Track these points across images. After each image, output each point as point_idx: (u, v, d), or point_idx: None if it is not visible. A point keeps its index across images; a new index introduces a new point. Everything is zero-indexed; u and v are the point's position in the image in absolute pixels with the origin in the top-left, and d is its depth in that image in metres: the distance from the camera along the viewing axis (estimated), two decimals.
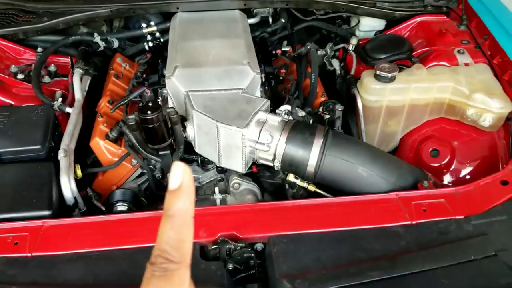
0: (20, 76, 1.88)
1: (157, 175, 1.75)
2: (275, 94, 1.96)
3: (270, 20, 2.40)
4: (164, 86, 1.89)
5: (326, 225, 1.27)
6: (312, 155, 1.45)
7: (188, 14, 2.10)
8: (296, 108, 1.63)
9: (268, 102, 1.57)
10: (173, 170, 0.57)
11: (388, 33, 2.20)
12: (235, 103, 1.57)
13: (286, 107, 1.59)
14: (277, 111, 1.59)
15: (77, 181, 1.60)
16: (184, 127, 1.62)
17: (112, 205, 1.63)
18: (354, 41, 2.07)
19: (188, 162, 1.78)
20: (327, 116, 1.71)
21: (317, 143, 1.46)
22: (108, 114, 1.86)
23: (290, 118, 1.57)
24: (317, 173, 1.47)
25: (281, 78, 2.03)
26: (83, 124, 1.82)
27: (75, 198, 1.56)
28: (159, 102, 1.79)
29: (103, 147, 1.75)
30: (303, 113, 1.64)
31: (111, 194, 1.66)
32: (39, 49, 2.04)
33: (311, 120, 1.64)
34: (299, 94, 1.93)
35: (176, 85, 1.64)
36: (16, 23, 2.06)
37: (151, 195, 1.79)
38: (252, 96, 1.61)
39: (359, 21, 2.27)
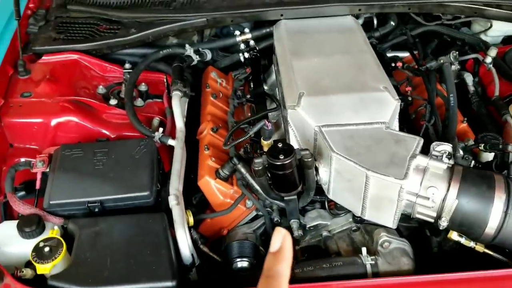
0: (113, 102, 1.65)
1: (275, 219, 1.50)
2: (404, 119, 1.66)
3: (375, 22, 2.09)
4: (277, 109, 1.64)
5: None
6: (493, 214, 1.16)
7: (294, 22, 1.81)
8: None
9: (422, 141, 1.28)
10: (275, 234, 0.66)
11: None
12: (382, 143, 1.29)
13: (444, 148, 1.30)
14: (434, 152, 1.30)
15: None
16: (317, 170, 1.35)
17: (232, 261, 1.39)
18: (493, 52, 1.74)
19: (312, 203, 1.51)
20: (487, 155, 1.40)
21: (499, 200, 1.16)
22: (214, 145, 1.60)
23: (451, 162, 1.28)
24: (497, 237, 1.18)
25: (410, 99, 1.73)
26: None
27: (192, 255, 1.33)
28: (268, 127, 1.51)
29: (214, 187, 1.50)
30: (461, 153, 1.34)
31: (229, 248, 1.42)
32: (127, 65, 1.80)
33: (472, 162, 1.34)
34: (436, 119, 1.63)
35: (303, 117, 1.37)
36: (100, 36, 1.82)
37: (268, 241, 1.54)
38: (399, 133, 1.32)
39: (491, 25, 1.93)
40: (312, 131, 1.36)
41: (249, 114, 1.80)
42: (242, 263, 1.39)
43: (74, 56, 1.78)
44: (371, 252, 1.35)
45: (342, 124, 1.35)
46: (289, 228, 1.47)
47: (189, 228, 1.47)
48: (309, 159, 1.27)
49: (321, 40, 1.68)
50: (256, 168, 1.28)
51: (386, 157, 1.25)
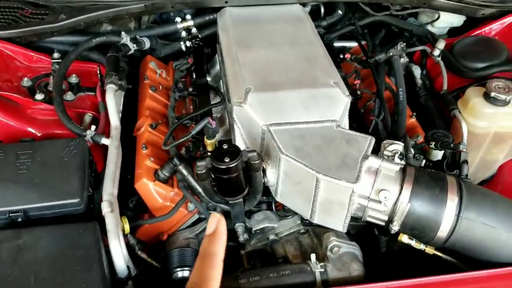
0: (39, 96, 1.48)
1: None
2: (354, 114, 1.60)
3: (322, 10, 2.02)
4: (223, 103, 1.54)
5: None
6: (445, 218, 1.12)
7: (240, 10, 1.70)
8: None
9: (373, 140, 1.22)
10: (210, 219, 0.74)
11: (474, 34, 1.84)
12: (333, 143, 1.22)
13: (396, 147, 1.25)
14: (385, 152, 1.25)
15: None
16: (264, 171, 1.26)
17: (171, 270, 1.28)
18: (441, 45, 1.71)
19: (258, 204, 1.42)
20: (437, 153, 1.36)
21: (451, 203, 1.12)
22: (153, 143, 1.48)
23: (403, 162, 1.23)
24: (448, 240, 1.14)
25: (359, 93, 1.67)
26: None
27: (128, 266, 1.21)
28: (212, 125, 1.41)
29: (153, 190, 1.38)
30: (411, 151, 1.30)
31: (169, 256, 1.31)
32: (56, 55, 1.63)
33: (423, 162, 1.30)
34: (385, 114, 1.58)
35: (250, 115, 1.27)
36: (25, 22, 1.63)
37: None
38: (351, 132, 1.25)
39: (438, 17, 1.90)
40: (259, 130, 1.27)
41: (192, 108, 1.69)
42: (183, 273, 1.29)
43: None
44: (320, 256, 1.29)
45: (292, 122, 1.26)
46: (234, 232, 1.39)
47: (125, 235, 1.37)
48: (256, 161, 1.18)
49: (268, 30, 1.58)
50: (199, 172, 1.18)
51: (337, 159, 1.18)
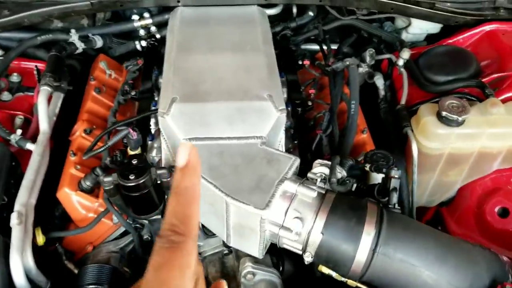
0: None
1: (145, 237, 1.35)
2: (301, 124, 1.51)
3: (295, 11, 1.91)
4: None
5: None
6: (359, 253, 1.02)
7: (192, 10, 1.61)
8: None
9: (298, 162, 1.13)
10: (180, 149, 0.62)
11: (446, 43, 1.71)
12: (252, 163, 1.13)
13: (321, 170, 1.15)
14: (309, 174, 1.16)
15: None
16: None
17: (84, 287, 1.23)
18: (405, 54, 1.59)
19: None
20: (377, 176, 1.26)
21: (367, 237, 1.03)
22: (84, 150, 1.41)
23: (327, 186, 1.14)
24: (364, 275, 1.05)
25: (310, 103, 1.57)
26: (55, 155, 1.41)
27: (31, 282, 1.16)
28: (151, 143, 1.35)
29: (75, 201, 1.32)
30: (344, 172, 1.20)
31: (82, 272, 1.25)
32: None
33: (354, 186, 1.20)
34: (333, 128, 1.48)
35: (172, 127, 1.20)
36: None
37: (137, 260, 1.38)
38: (274, 151, 1.16)
39: (410, 23, 1.78)
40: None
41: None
42: None
43: None
44: (238, 282, 1.21)
45: (213, 137, 1.18)
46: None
47: (58, 243, 1.33)
48: (167, 179, 1.11)
49: (215, 33, 1.49)
50: (106, 188, 1.11)
51: (252, 181, 1.09)
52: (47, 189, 1.35)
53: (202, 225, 1.33)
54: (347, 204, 1.08)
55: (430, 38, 1.89)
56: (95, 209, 1.34)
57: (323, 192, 1.10)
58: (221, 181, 1.09)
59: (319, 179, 1.13)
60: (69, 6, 1.57)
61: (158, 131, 1.46)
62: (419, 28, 1.81)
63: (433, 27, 1.81)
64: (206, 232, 1.34)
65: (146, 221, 1.29)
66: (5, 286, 1.11)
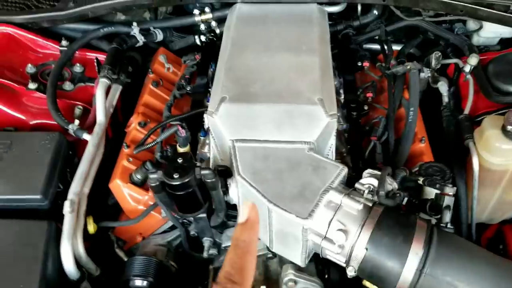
0: (32, 85, 1.50)
1: (191, 233, 1.36)
2: (356, 129, 1.46)
3: (359, 8, 1.84)
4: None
5: None
6: (405, 273, 0.97)
7: (250, 7, 1.60)
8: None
9: (345, 171, 1.09)
10: (242, 207, 0.72)
11: None
12: (298, 169, 1.11)
13: (370, 181, 1.10)
14: (357, 185, 1.11)
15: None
16: (227, 188, 1.18)
17: (131, 277, 1.26)
18: (473, 60, 1.48)
19: (233, 219, 1.35)
20: (431, 190, 1.18)
21: (414, 256, 0.97)
22: (137, 142, 1.44)
23: (375, 198, 1.09)
24: None
25: (366, 108, 1.51)
26: (113, 145, 1.45)
27: (81, 269, 1.21)
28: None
29: (125, 192, 1.36)
30: (395, 184, 1.14)
31: (129, 263, 1.28)
32: (64, 42, 1.64)
33: (405, 200, 1.14)
34: (389, 135, 1.41)
35: (220, 127, 1.19)
36: (37, 7, 1.65)
37: (183, 255, 1.40)
38: (321, 158, 1.13)
39: (481, 26, 1.66)
40: (227, 144, 1.19)
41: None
42: (142, 283, 1.26)
43: (8, 29, 1.62)
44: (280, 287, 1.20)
45: (260, 140, 1.17)
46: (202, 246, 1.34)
47: (110, 231, 1.37)
48: (211, 180, 1.11)
49: (271, 32, 1.46)
50: (152, 185, 1.12)
51: (296, 188, 1.07)
52: (103, 179, 1.39)
53: None
54: (394, 220, 1.02)
55: (505, 43, 1.76)
56: (145, 202, 1.37)
57: (370, 204, 1.05)
58: (264, 186, 1.07)
59: (366, 191, 1.08)
60: (132, 0, 1.60)
61: None
62: (492, 32, 1.69)
63: (508, 31, 1.68)
64: None
65: (192, 218, 1.30)
66: (55, 271, 1.15)
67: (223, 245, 1.34)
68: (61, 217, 1.24)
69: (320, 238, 1.04)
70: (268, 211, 1.05)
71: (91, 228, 1.29)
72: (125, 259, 1.37)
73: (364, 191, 1.09)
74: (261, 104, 1.20)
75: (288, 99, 1.21)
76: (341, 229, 1.02)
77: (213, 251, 1.32)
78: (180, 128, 1.27)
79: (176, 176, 1.08)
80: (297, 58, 1.35)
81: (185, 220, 1.36)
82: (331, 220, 1.03)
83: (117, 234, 1.44)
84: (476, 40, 1.74)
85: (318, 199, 1.04)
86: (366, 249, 1.00)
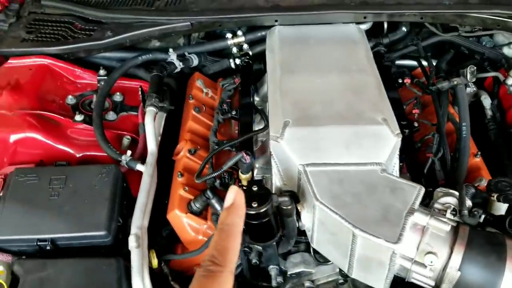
0: (78, 117, 1.46)
1: (253, 261, 1.33)
2: (408, 149, 1.45)
3: (386, 26, 1.86)
4: (265, 130, 1.44)
5: None
6: None
7: (290, 30, 1.60)
8: None
9: (423, 191, 1.08)
10: (228, 193, 0.73)
11: None
12: (375, 192, 1.09)
13: (448, 201, 1.10)
14: (436, 205, 1.10)
15: None
16: (299, 215, 1.16)
17: None
18: None
19: (296, 243, 1.32)
20: (501, 205, 1.18)
21: (510, 273, 0.96)
22: (191, 171, 1.42)
23: (456, 219, 1.08)
24: None
25: (416, 125, 1.51)
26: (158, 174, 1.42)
27: None
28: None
29: (185, 223, 1.32)
30: (469, 202, 1.13)
31: None
32: (102, 72, 1.62)
33: (482, 217, 1.13)
34: (445, 151, 1.41)
35: (287, 152, 1.18)
36: (73, 38, 1.63)
37: (244, 284, 1.37)
38: (397, 179, 1.12)
39: None
40: (296, 169, 1.17)
41: (238, 132, 1.61)
42: None
43: (45, 61, 1.59)
44: None
45: (330, 163, 1.15)
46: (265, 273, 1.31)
47: (164, 263, 1.34)
48: (288, 207, 1.09)
49: (317, 53, 1.47)
50: None
51: (378, 211, 1.05)
52: (153, 210, 1.36)
53: (314, 251, 1.31)
54: (483, 239, 1.02)
55: None
56: (204, 231, 1.34)
57: (455, 225, 1.04)
58: (345, 211, 1.06)
59: (448, 211, 1.07)
60: (170, 27, 1.59)
61: (259, 151, 1.45)
62: None
63: None
64: (318, 259, 1.30)
65: (256, 246, 1.27)
66: None
67: (289, 273, 1.31)
68: (122, 252, 1.21)
69: (409, 262, 1.02)
70: (352, 236, 1.04)
71: (155, 262, 1.25)
72: None
73: (445, 211, 1.08)
74: (326, 127, 1.19)
75: (351, 120, 1.20)
76: (431, 251, 1.01)
77: (280, 279, 1.29)
78: (244, 155, 1.25)
79: (254, 205, 1.06)
80: (350, 78, 1.35)
81: (246, 249, 1.33)
82: (420, 242, 1.02)
83: (172, 266, 1.40)
84: (507, 52, 1.77)
85: (403, 221, 1.02)
86: (459, 270, 0.99)
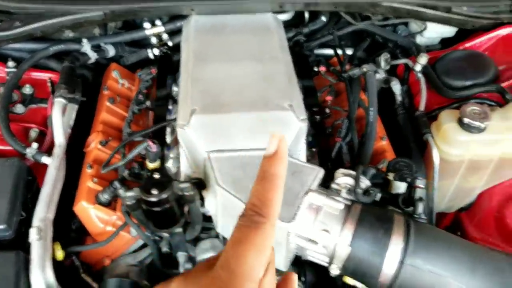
0: None
1: (163, 249, 1.32)
2: (319, 131, 1.49)
3: (307, 16, 1.90)
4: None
5: None
6: (387, 265, 1.00)
7: (206, 19, 1.59)
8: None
9: (322, 173, 1.11)
10: (270, 139, 0.63)
11: (462, 47, 1.69)
12: None
13: (346, 181, 1.14)
14: (333, 185, 1.14)
15: None
16: (203, 200, 1.17)
17: None
18: (423, 59, 1.56)
19: (206, 231, 1.33)
20: (401, 184, 1.23)
21: (395, 248, 1.00)
22: (102, 162, 1.39)
23: (352, 197, 1.12)
24: (392, 286, 1.03)
25: (327, 111, 1.55)
26: (68, 167, 1.39)
27: None
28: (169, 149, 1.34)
29: (93, 214, 1.30)
30: (367, 182, 1.18)
31: (102, 286, 1.23)
32: (10, 63, 1.56)
33: (378, 195, 1.18)
34: (353, 135, 1.46)
35: (193, 139, 1.18)
36: None
37: (156, 273, 1.36)
38: (298, 162, 1.15)
39: (425, 27, 1.76)
40: (202, 156, 1.18)
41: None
42: None
43: None
44: None
45: (235, 149, 1.16)
46: (176, 261, 1.31)
47: (74, 256, 1.31)
48: (190, 193, 1.09)
49: (232, 42, 1.47)
50: (128, 203, 1.09)
51: None
52: (62, 203, 1.33)
53: (223, 237, 1.32)
54: (374, 216, 1.06)
55: (445, 42, 1.87)
56: (113, 222, 1.32)
57: (349, 203, 1.08)
58: (246, 194, 1.07)
59: (344, 190, 1.11)
60: (82, 17, 1.55)
61: (174, 141, 1.44)
62: (435, 32, 1.80)
63: (448, 31, 1.79)
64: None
65: (165, 234, 1.27)
66: None
67: (198, 258, 1.31)
68: (25, 246, 1.18)
69: (304, 240, 1.05)
70: None
71: (60, 254, 1.22)
72: (94, 284, 1.31)
73: (341, 190, 1.12)
74: (233, 113, 1.20)
75: (259, 106, 1.22)
76: (324, 229, 1.04)
77: (188, 266, 1.30)
78: (151, 143, 1.24)
79: (154, 192, 1.05)
80: (262, 66, 1.36)
81: (156, 237, 1.32)
82: (314, 221, 1.05)
83: (83, 259, 1.37)
84: (419, 40, 1.84)
85: (299, 202, 1.05)
86: (350, 246, 1.02)
